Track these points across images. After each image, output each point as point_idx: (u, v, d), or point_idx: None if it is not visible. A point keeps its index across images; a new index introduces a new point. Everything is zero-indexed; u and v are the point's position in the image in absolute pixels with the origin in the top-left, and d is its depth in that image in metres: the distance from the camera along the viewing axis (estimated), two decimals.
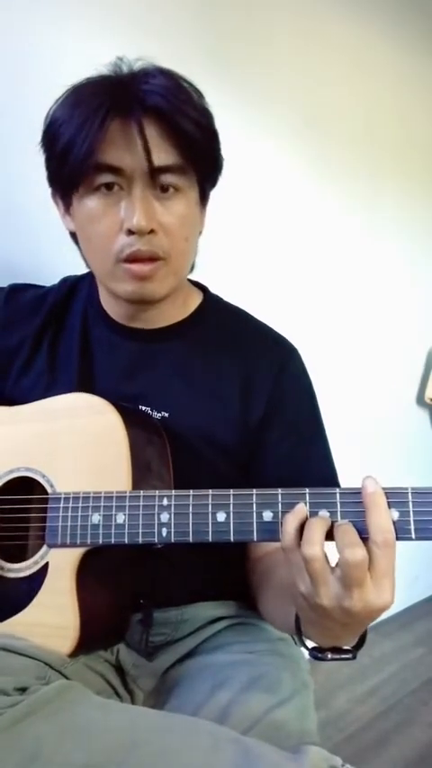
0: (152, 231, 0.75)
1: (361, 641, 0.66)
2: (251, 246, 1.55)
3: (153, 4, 1.25)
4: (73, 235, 0.84)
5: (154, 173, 0.73)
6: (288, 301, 1.66)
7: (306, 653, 0.69)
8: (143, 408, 0.84)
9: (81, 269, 0.91)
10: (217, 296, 0.95)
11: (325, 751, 0.62)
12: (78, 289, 0.94)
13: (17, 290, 0.94)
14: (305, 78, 1.60)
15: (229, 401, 0.85)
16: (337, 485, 0.85)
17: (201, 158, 0.77)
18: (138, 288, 0.78)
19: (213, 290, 0.95)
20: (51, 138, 0.75)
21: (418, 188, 2.04)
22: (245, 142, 1.47)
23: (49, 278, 0.98)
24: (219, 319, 0.91)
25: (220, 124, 0.79)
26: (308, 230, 1.70)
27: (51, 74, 1.07)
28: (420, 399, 2.21)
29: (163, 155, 0.73)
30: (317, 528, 0.59)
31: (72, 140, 0.72)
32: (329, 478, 0.86)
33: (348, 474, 0.95)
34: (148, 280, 0.78)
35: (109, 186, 0.74)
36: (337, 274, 1.81)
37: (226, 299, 0.96)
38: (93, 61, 0.76)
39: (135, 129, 0.71)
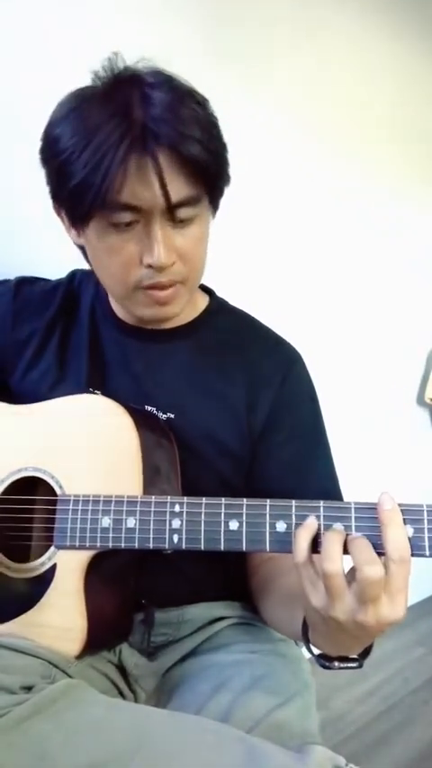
0: (172, 264, 0.74)
1: (367, 649, 0.66)
2: (250, 246, 1.55)
3: None
4: (79, 246, 0.83)
5: (172, 208, 0.72)
6: (288, 301, 1.66)
7: (312, 659, 0.69)
8: (149, 409, 0.84)
9: (82, 263, 0.91)
10: (222, 299, 0.95)
11: (329, 750, 0.63)
12: (87, 285, 0.94)
13: (25, 282, 0.94)
14: (305, 70, 1.60)
15: (233, 404, 0.86)
16: (338, 491, 0.86)
17: (213, 181, 0.75)
18: (156, 312, 0.79)
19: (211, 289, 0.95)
20: (61, 166, 0.71)
21: (419, 187, 2.04)
22: (245, 138, 1.47)
23: (51, 273, 0.98)
24: (225, 322, 0.91)
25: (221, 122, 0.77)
26: (307, 230, 1.70)
27: (52, 71, 1.08)
28: (420, 399, 2.21)
29: (179, 189, 0.71)
30: (336, 543, 0.58)
31: (88, 179, 0.69)
32: (330, 485, 0.87)
33: (349, 474, 0.96)
34: (167, 304, 0.78)
35: (128, 223, 0.72)
36: (336, 275, 1.81)
37: (229, 300, 0.96)
38: (95, 58, 0.75)
39: (151, 165, 0.69)
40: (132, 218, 0.72)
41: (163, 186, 0.69)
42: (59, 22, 1.13)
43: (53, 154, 0.73)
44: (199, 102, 0.73)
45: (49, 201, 0.82)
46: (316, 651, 0.67)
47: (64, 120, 0.72)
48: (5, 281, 0.95)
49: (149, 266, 0.74)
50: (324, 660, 0.66)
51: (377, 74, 1.82)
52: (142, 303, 0.78)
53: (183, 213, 0.73)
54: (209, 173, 0.73)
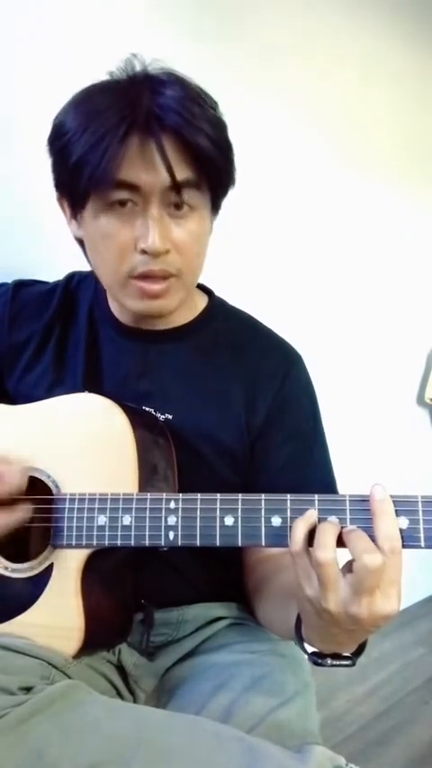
0: (166, 251, 0.74)
1: (360, 648, 0.66)
2: (249, 246, 1.55)
3: None
4: (78, 239, 0.83)
5: (172, 190, 0.72)
6: (288, 302, 1.66)
7: (306, 657, 0.69)
8: (147, 409, 0.84)
9: (80, 265, 0.91)
10: (221, 299, 0.95)
11: (329, 750, 0.63)
12: (85, 287, 0.94)
13: (22, 285, 0.94)
14: (304, 69, 1.60)
15: (232, 404, 0.85)
16: (335, 492, 0.85)
17: (216, 173, 0.76)
18: (148, 305, 0.78)
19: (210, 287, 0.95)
20: (63, 148, 0.73)
21: (419, 187, 2.04)
22: (244, 139, 1.47)
23: (49, 275, 0.98)
24: (224, 323, 0.91)
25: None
26: (307, 230, 1.70)
27: (52, 73, 1.09)
28: (420, 399, 2.21)
29: (180, 172, 0.72)
30: (329, 532, 0.59)
31: (87, 155, 0.70)
32: (328, 485, 0.86)
33: (349, 473, 0.96)
34: (159, 298, 0.78)
35: (123, 203, 0.73)
36: (336, 275, 1.82)
37: (228, 301, 0.96)
38: (95, 58, 0.75)
39: (154, 146, 0.70)
40: (129, 196, 0.72)
41: (167, 165, 0.70)
42: (59, 21, 1.13)
43: (57, 138, 0.74)
44: (209, 104, 0.75)
45: (48, 203, 0.82)
46: (309, 648, 0.67)
47: (71, 108, 0.74)
48: (2, 285, 0.95)
49: (143, 252, 0.74)
50: (317, 657, 0.66)
51: (377, 73, 1.82)
52: (134, 295, 0.78)
53: (182, 198, 0.74)
54: (213, 163, 0.74)
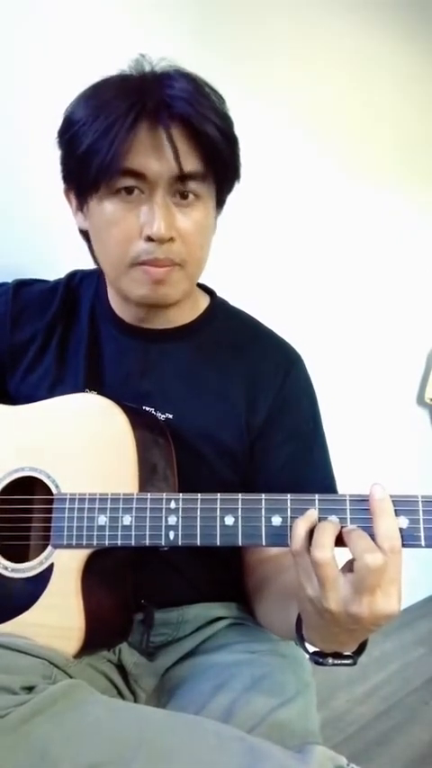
0: (171, 239, 0.74)
1: (361, 647, 0.66)
2: (250, 247, 1.55)
3: None
4: (83, 232, 0.84)
5: (179, 179, 0.73)
6: (289, 302, 1.66)
7: (306, 657, 0.69)
8: (147, 409, 0.84)
9: (81, 263, 0.91)
10: (223, 299, 0.95)
11: (330, 750, 0.63)
12: (86, 285, 0.94)
13: (23, 284, 0.94)
14: (305, 73, 1.60)
15: (232, 404, 0.85)
16: (335, 492, 0.85)
17: (222, 165, 0.77)
18: (151, 291, 0.78)
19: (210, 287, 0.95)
20: (72, 138, 0.74)
21: (419, 188, 2.04)
22: (244, 139, 1.47)
23: (49, 275, 0.98)
24: (225, 323, 0.91)
25: None
26: (307, 231, 1.70)
27: (53, 74, 1.09)
28: (420, 399, 2.22)
29: (188, 161, 0.72)
30: (328, 532, 0.59)
31: (96, 144, 0.71)
32: (328, 487, 0.86)
33: (349, 473, 0.96)
34: (162, 284, 0.77)
35: (129, 190, 0.73)
36: (337, 275, 1.82)
37: (229, 301, 0.96)
38: (96, 58, 0.76)
39: (163, 135, 0.71)
40: (135, 184, 0.73)
41: (175, 153, 0.71)
42: (60, 21, 1.13)
43: (66, 129, 0.75)
44: (218, 98, 0.76)
45: (49, 202, 0.82)
46: (310, 648, 0.67)
47: (81, 100, 0.75)
48: (3, 284, 0.95)
49: (149, 239, 0.74)
50: (318, 657, 0.66)
51: (378, 77, 1.82)
52: (137, 281, 0.78)
53: (187, 187, 0.74)
54: (220, 154, 0.75)
